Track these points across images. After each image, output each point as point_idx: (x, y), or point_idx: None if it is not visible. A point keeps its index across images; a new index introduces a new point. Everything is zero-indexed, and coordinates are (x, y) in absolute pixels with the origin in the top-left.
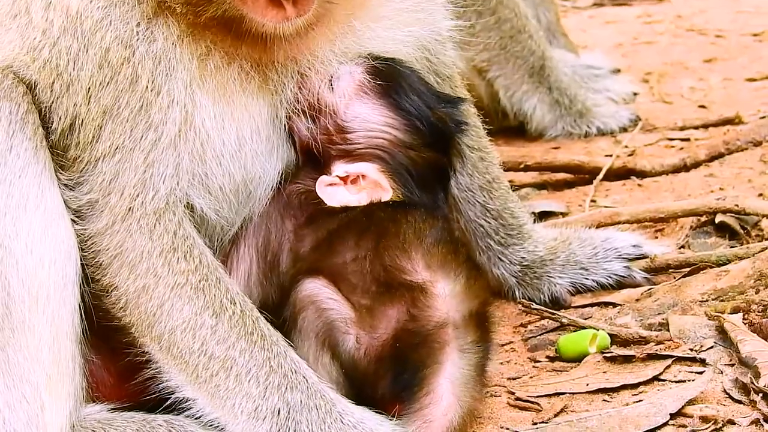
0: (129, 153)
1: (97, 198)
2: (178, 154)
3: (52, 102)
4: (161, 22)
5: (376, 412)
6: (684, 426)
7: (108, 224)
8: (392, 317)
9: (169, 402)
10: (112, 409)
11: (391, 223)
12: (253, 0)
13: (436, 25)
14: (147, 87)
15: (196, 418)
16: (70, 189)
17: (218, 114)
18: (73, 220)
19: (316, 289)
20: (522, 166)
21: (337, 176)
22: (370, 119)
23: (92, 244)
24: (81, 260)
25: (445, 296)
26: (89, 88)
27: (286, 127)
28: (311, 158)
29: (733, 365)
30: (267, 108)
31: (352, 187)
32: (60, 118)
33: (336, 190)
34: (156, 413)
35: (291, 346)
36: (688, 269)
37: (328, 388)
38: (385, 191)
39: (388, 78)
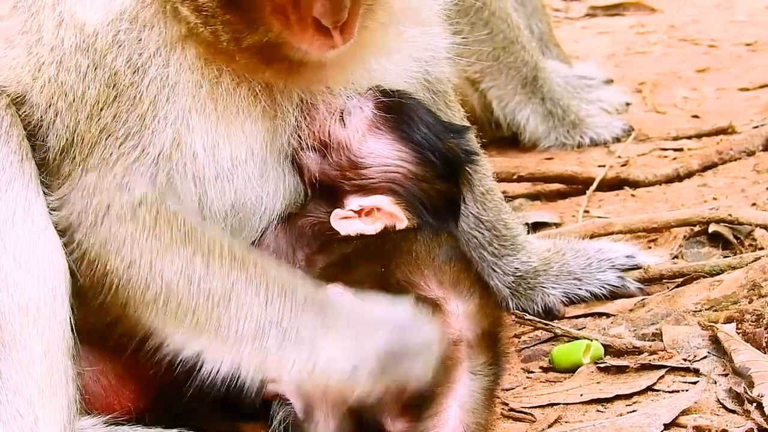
0: (113, 164)
1: (82, 205)
2: (159, 169)
3: (52, 119)
4: (179, 48)
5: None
6: None
7: (91, 223)
8: None
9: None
10: (107, 422)
11: (403, 240)
12: (301, 28)
13: (433, 44)
14: (147, 110)
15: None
16: (57, 210)
17: (213, 137)
18: (60, 234)
19: (337, 293)
20: (515, 176)
21: (352, 210)
22: (383, 154)
23: (79, 248)
24: (70, 265)
25: (459, 314)
26: (93, 105)
27: (293, 159)
28: (322, 191)
29: (726, 375)
30: (266, 133)
31: (367, 218)
32: (58, 136)
33: (351, 223)
34: (153, 427)
35: None
36: (682, 279)
37: (322, 289)
38: (401, 221)
39: (398, 111)
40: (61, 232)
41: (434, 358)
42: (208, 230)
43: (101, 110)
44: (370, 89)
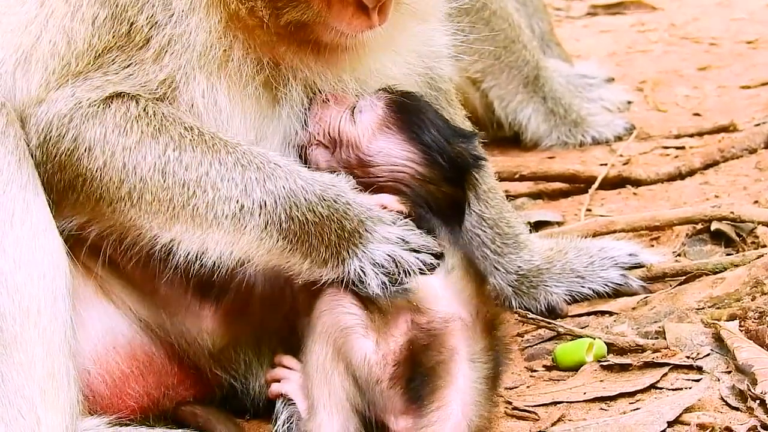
0: (95, 79)
1: (54, 112)
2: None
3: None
4: (203, 12)
5: None
6: None
7: (64, 121)
8: (403, 321)
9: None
10: (111, 423)
11: None
12: (342, 7)
13: (435, 42)
14: (151, 56)
15: None
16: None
17: (212, 94)
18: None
19: (336, 296)
20: (517, 176)
21: None
22: (392, 154)
23: (54, 152)
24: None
25: (443, 293)
26: (97, 51)
27: (301, 154)
28: None
29: (729, 372)
30: (267, 105)
31: None
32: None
33: None
34: (155, 427)
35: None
36: (684, 277)
37: (301, 167)
38: None
39: (409, 112)
40: (38, 147)
41: None
42: (179, 119)
43: (102, 53)
44: (382, 89)
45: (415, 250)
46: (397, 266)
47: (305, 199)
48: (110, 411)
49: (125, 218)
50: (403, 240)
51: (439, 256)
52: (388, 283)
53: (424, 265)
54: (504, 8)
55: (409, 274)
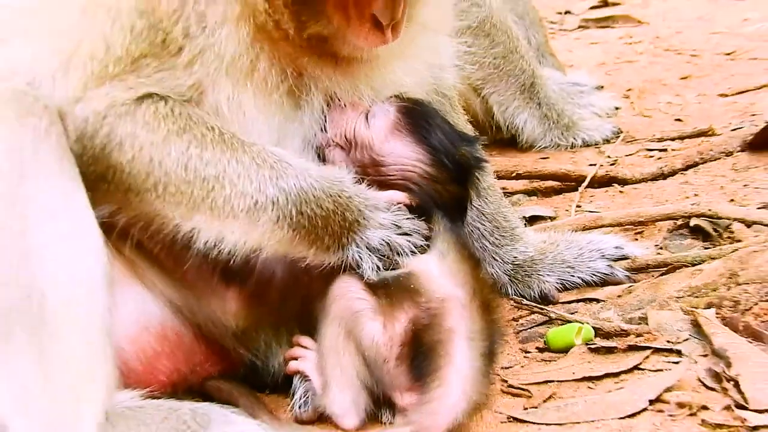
0: (128, 80)
1: (90, 109)
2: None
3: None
4: (234, 24)
5: None
6: (662, 411)
7: (98, 118)
8: (405, 304)
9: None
10: (143, 395)
11: None
12: (359, 24)
13: (442, 54)
14: (183, 62)
15: None
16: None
17: (238, 98)
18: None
19: (348, 283)
20: (514, 174)
21: None
22: (402, 154)
23: (89, 146)
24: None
25: (438, 275)
26: (133, 57)
27: (319, 153)
28: None
29: (706, 356)
30: (289, 110)
31: None
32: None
33: None
34: (183, 400)
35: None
36: (666, 268)
37: (311, 164)
38: None
39: (418, 117)
40: (75, 141)
41: None
42: (202, 119)
43: (138, 58)
44: (394, 96)
45: (406, 234)
46: (390, 249)
47: (313, 196)
48: (143, 385)
49: (151, 208)
50: (396, 225)
51: (428, 237)
52: (380, 265)
53: (415, 246)
54: (503, 22)
55: (401, 255)
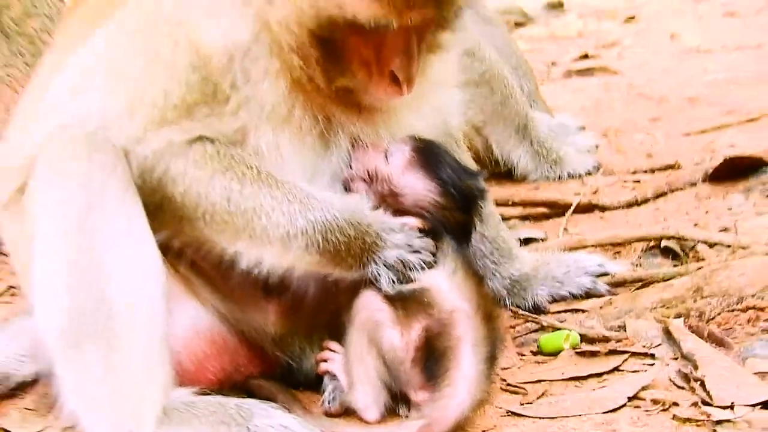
0: (183, 126)
1: (151, 149)
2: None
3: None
4: (274, 78)
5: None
6: (638, 407)
7: (156, 156)
8: (419, 315)
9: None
10: (195, 392)
11: None
12: (379, 79)
13: (449, 101)
14: (229, 109)
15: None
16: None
17: (276, 141)
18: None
19: (370, 297)
20: (510, 202)
21: None
22: (417, 186)
23: (148, 180)
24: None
25: (448, 290)
26: (188, 104)
27: (345, 186)
28: None
29: (677, 359)
30: (321, 150)
31: None
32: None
33: None
34: (229, 396)
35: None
36: (641, 283)
37: (335, 196)
38: None
39: (430, 155)
40: (138, 176)
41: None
42: (243, 159)
43: (191, 105)
44: (408, 136)
45: (416, 251)
46: (404, 266)
47: (337, 225)
48: (194, 384)
49: (200, 234)
50: (408, 244)
51: (435, 255)
52: (396, 279)
53: (425, 262)
54: (501, 73)
55: (413, 271)
